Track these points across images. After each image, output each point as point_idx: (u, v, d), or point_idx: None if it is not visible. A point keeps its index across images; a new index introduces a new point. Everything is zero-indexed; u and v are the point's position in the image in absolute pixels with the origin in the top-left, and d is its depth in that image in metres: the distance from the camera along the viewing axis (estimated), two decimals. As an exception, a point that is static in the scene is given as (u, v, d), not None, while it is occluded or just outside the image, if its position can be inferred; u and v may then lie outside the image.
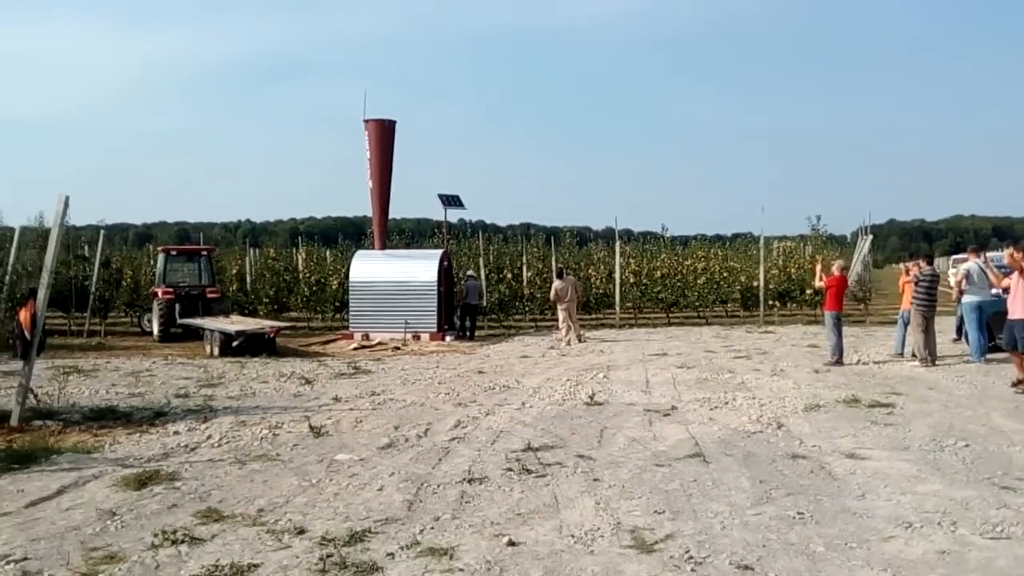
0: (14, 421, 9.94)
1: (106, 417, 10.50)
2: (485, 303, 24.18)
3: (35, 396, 10.47)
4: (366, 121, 21.56)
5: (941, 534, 5.59)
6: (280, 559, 5.30)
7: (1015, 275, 11.14)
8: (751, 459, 7.74)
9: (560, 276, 20.42)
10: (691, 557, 5.22)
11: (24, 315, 10.39)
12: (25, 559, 5.38)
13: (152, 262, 28.99)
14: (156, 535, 5.75)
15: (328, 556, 5.29)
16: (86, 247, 26.57)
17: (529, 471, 7.40)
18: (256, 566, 5.17)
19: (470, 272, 23.99)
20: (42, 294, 10.34)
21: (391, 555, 5.35)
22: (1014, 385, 11.10)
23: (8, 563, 5.31)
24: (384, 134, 21.60)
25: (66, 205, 10.19)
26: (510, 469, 7.48)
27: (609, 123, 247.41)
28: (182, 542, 5.62)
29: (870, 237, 26.63)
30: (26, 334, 10.34)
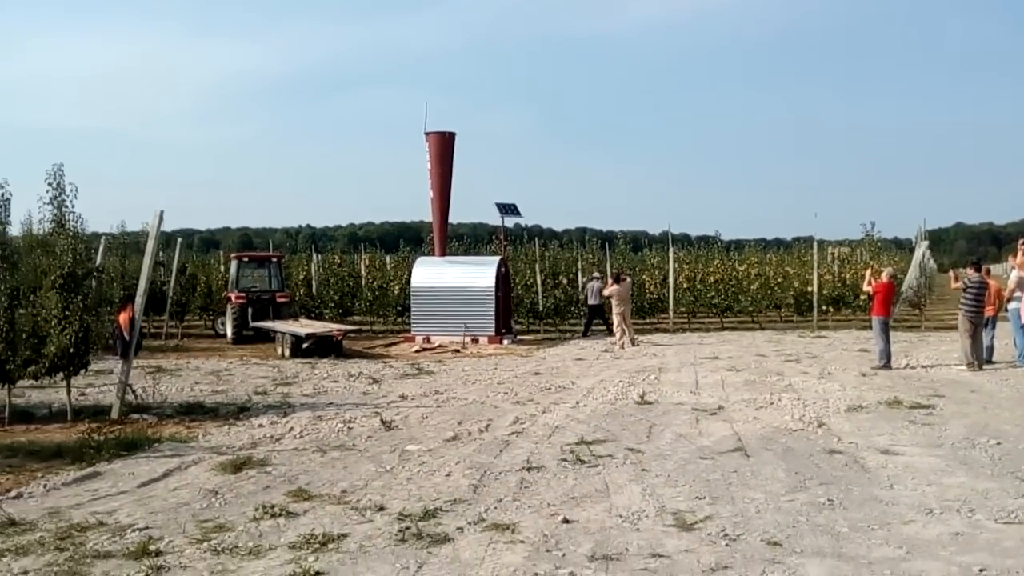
0: (115, 414, 11.01)
1: (195, 412, 11.49)
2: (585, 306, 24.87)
3: (133, 392, 11.50)
4: (427, 134, 22.46)
5: (958, 519, 6.15)
6: (365, 530, 6.10)
7: None
8: (789, 453, 8.33)
9: (617, 280, 21.05)
10: (726, 534, 5.87)
11: (123, 318, 11.42)
12: (147, 528, 6.27)
13: (223, 268, 30.43)
14: (256, 509, 6.61)
15: (406, 528, 6.08)
16: (161, 253, 27.99)
17: (582, 461, 8.10)
18: (345, 536, 5.97)
19: (595, 274, 24.91)
20: (139, 299, 11.39)
21: (460, 529, 6.11)
22: None
23: (134, 531, 6.20)
24: (444, 146, 22.48)
25: (160, 219, 11.23)
26: (565, 460, 8.20)
27: (665, 127, 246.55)
28: (279, 515, 6.48)
29: (926, 243, 26.60)
30: (125, 335, 11.37)
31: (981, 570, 5.13)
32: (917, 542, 5.67)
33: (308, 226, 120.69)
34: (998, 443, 8.57)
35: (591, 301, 23.86)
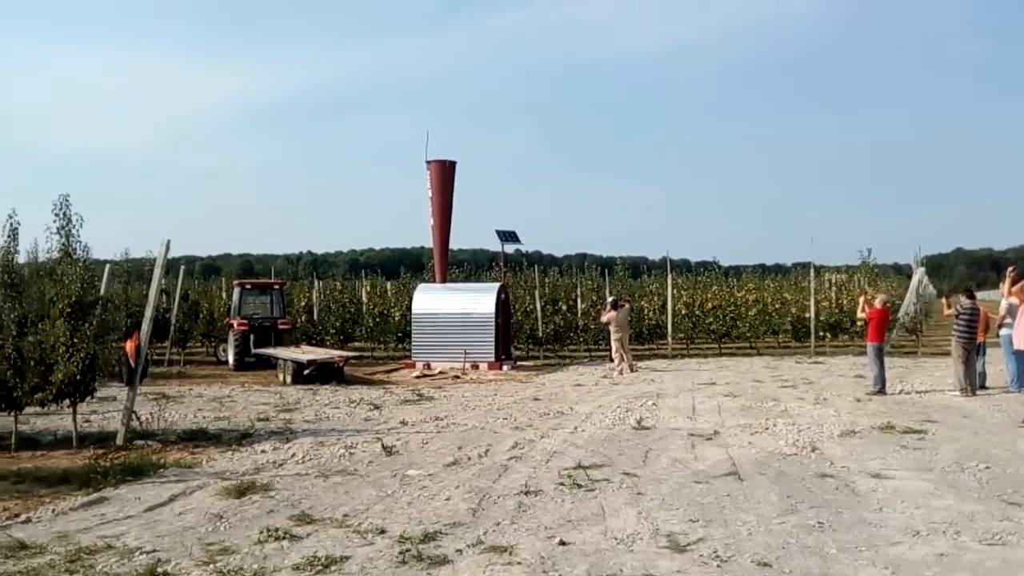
0: (120, 440, 11.18)
1: (198, 438, 11.67)
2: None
3: (138, 419, 11.68)
4: (428, 162, 22.81)
5: (943, 541, 6.32)
6: (366, 552, 6.27)
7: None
8: (782, 477, 8.50)
9: (615, 306, 21.25)
10: (718, 556, 6.04)
11: (130, 345, 11.65)
12: (155, 551, 6.44)
13: (225, 295, 30.68)
14: (261, 533, 6.78)
15: (406, 551, 6.25)
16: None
17: (579, 486, 8.28)
18: (347, 558, 6.14)
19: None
20: (145, 327, 11.60)
21: (459, 551, 6.28)
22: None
23: (141, 554, 6.37)
24: (445, 174, 22.82)
25: (167, 247, 11.48)
26: (562, 484, 8.37)
27: (664, 154, 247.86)
28: (283, 539, 6.65)
29: (923, 269, 26.85)
30: (131, 362, 11.57)
31: (963, 589, 5.30)
32: (903, 563, 5.84)
33: (309, 252, 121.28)
34: (987, 467, 8.75)
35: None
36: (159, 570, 5.91)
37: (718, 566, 5.85)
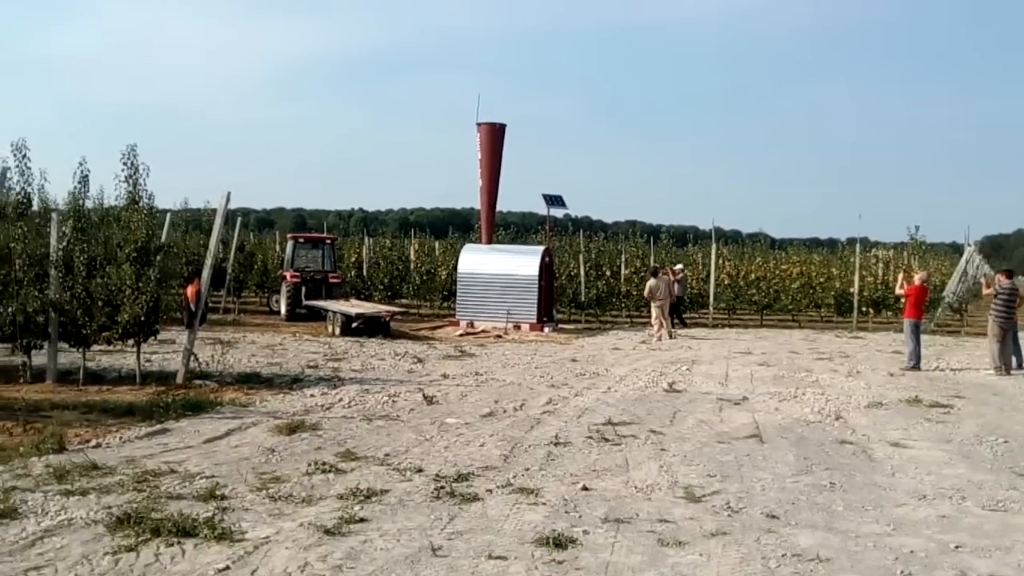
0: (179, 380, 11.92)
1: (252, 381, 12.36)
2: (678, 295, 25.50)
3: (197, 360, 12.41)
4: (479, 124, 23.16)
5: (947, 505, 6.66)
6: (404, 487, 6.82)
7: None
8: (803, 442, 8.87)
9: (655, 274, 21.54)
10: (730, 507, 6.47)
11: (190, 291, 12.35)
12: (213, 476, 7.07)
13: (279, 247, 31.58)
14: (309, 465, 7.38)
15: (441, 488, 6.78)
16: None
17: (607, 440, 8.74)
18: (387, 491, 6.70)
19: (679, 266, 25.68)
20: (206, 273, 12.28)
21: (489, 491, 6.80)
22: None
23: (201, 478, 7.00)
24: (495, 137, 23.16)
25: (228, 199, 12.09)
26: (591, 437, 8.84)
27: (720, 123, 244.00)
28: (329, 472, 7.23)
29: (971, 248, 26.57)
30: (191, 307, 12.28)
31: (957, 546, 5.66)
32: (904, 522, 6.21)
33: (361, 209, 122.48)
34: (1005, 441, 9.00)
35: (676, 293, 24.59)
36: (217, 492, 6.52)
37: (728, 516, 6.27)
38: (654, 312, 20.98)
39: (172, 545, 5.36)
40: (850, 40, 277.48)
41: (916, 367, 14.94)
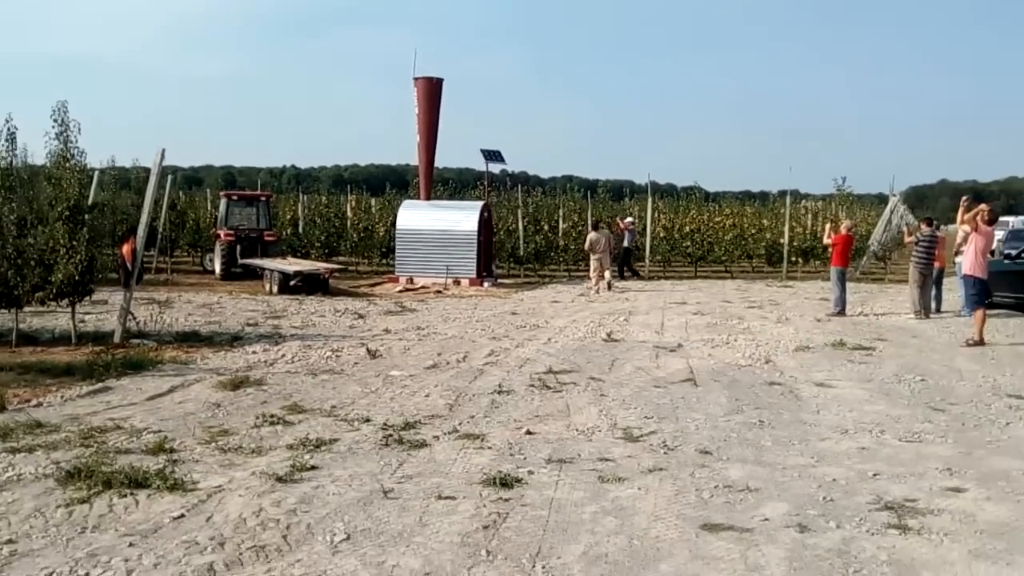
0: (117, 339, 11.79)
1: (191, 339, 12.28)
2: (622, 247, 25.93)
3: (134, 319, 12.28)
4: (416, 79, 22.97)
5: (867, 438, 7.10)
6: (352, 436, 6.98)
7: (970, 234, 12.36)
8: (735, 384, 9.27)
9: (595, 228, 21.87)
10: (666, 445, 6.80)
11: (126, 249, 12.17)
12: (160, 431, 7.12)
13: (211, 205, 31.00)
14: (256, 418, 7.48)
15: (389, 436, 6.96)
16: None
17: (548, 387, 9.01)
18: (336, 440, 6.85)
19: (628, 219, 26.30)
20: (141, 232, 12.11)
21: (436, 437, 7.00)
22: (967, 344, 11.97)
23: (148, 433, 7.05)
24: (432, 91, 23.02)
25: (162, 157, 11.89)
26: (532, 386, 9.10)
27: (655, 78, 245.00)
28: (277, 424, 7.35)
29: (896, 198, 27.51)
30: (128, 265, 12.11)
31: (874, 474, 6.07)
32: (827, 454, 6.62)
33: (293, 166, 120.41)
34: (922, 379, 9.55)
35: (625, 244, 25.37)
36: (166, 446, 6.58)
37: (664, 453, 6.60)
38: (593, 265, 21.30)
39: (125, 496, 5.45)
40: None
41: (842, 313, 15.56)
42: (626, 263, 25.69)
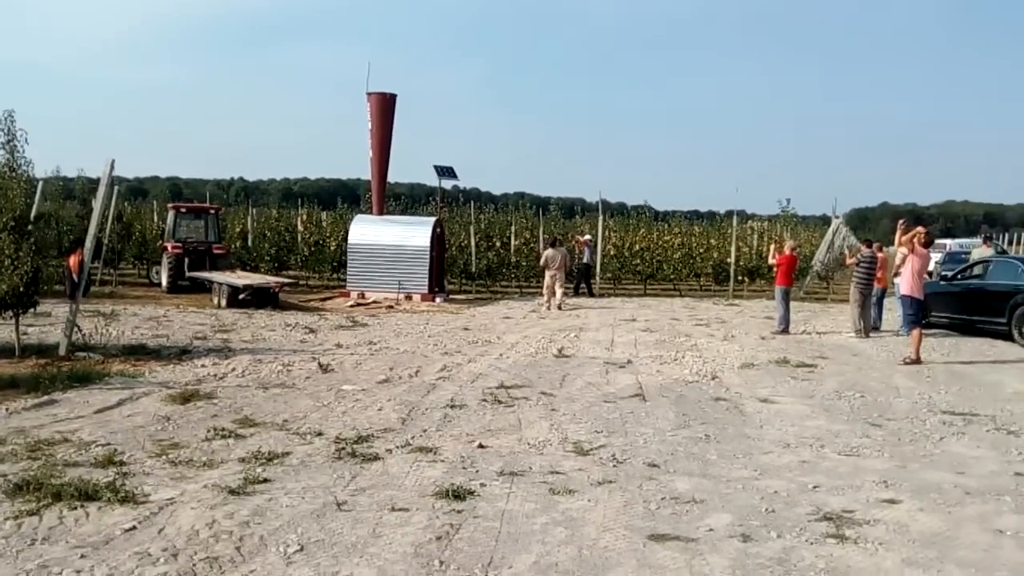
0: (62, 351, 11.60)
1: (138, 352, 12.13)
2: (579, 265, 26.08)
3: (80, 331, 12.09)
4: (369, 94, 23.03)
5: (808, 451, 7.35)
6: (305, 450, 7.01)
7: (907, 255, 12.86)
8: (682, 400, 9.49)
9: (552, 245, 22.12)
10: (615, 458, 6.95)
11: (73, 261, 12.00)
12: (109, 444, 7.06)
13: (156, 217, 30.56)
14: (207, 432, 7.46)
15: (341, 449, 7.01)
16: (94, 200, 28.01)
17: (500, 402, 9.13)
18: (288, 453, 6.87)
19: (587, 237, 26.60)
20: (89, 244, 11.95)
21: (389, 451, 7.07)
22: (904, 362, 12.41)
23: (97, 446, 6.99)
24: (385, 106, 23.10)
25: (112, 167, 11.78)
26: (485, 400, 9.21)
27: (605, 97, 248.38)
28: (228, 437, 7.34)
29: (838, 219, 28.26)
30: (75, 277, 11.93)
31: (814, 487, 6.30)
32: (769, 467, 6.84)
33: (241, 179, 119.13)
34: (861, 396, 9.88)
35: (585, 260, 25.59)
36: (115, 459, 6.54)
37: (614, 466, 6.75)
38: (546, 281, 21.48)
39: (75, 508, 5.42)
40: (736, 19, 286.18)
41: (785, 331, 15.97)
42: (585, 278, 25.89)
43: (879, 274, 16.36)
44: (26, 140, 11.47)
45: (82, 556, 4.71)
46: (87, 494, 5.61)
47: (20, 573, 4.49)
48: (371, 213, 24.47)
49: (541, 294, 21.99)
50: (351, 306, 21.13)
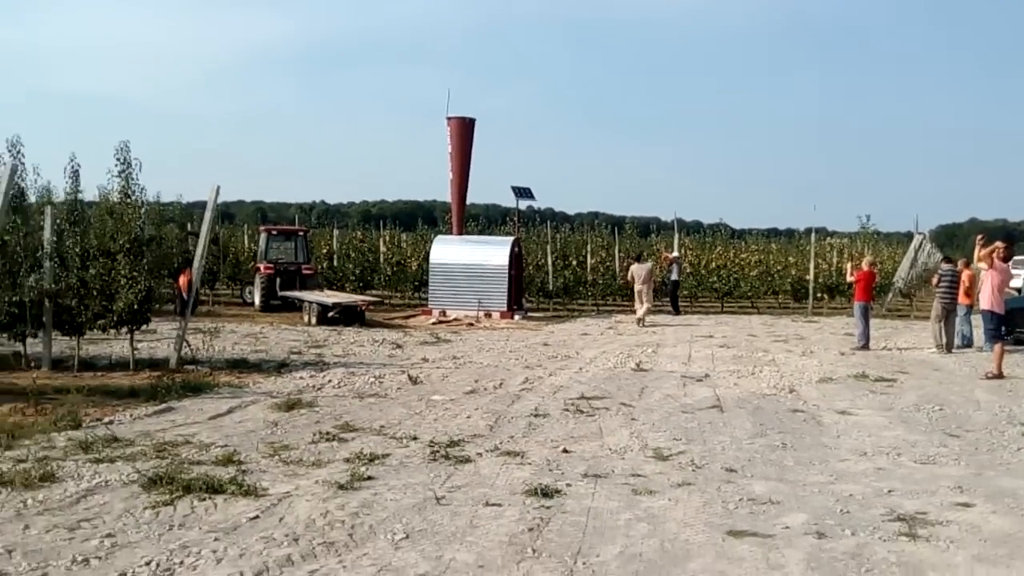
0: (173, 364, 12.50)
1: (240, 366, 12.95)
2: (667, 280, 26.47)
3: (189, 346, 12.99)
4: (448, 119, 23.83)
5: (884, 460, 7.56)
6: (403, 452, 7.56)
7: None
8: (759, 411, 9.75)
9: (638, 260, 22.61)
10: (694, 463, 7.30)
11: (183, 280, 12.92)
12: (226, 445, 7.74)
13: (247, 239, 31.95)
14: (313, 435, 8.09)
15: (436, 452, 7.54)
16: (190, 225, 29.48)
17: (582, 411, 9.55)
18: (388, 455, 7.43)
19: (675, 254, 27.15)
20: (196, 264, 12.87)
21: (480, 454, 7.56)
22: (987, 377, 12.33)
23: (216, 447, 7.67)
24: (464, 131, 23.86)
25: (217, 193, 12.67)
26: (567, 410, 9.64)
27: (683, 115, 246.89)
28: (332, 440, 7.95)
29: (921, 236, 27.84)
30: (184, 296, 12.85)
31: (889, 491, 6.54)
32: (845, 473, 7.09)
33: (322, 202, 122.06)
34: (940, 409, 9.96)
35: (674, 277, 25.83)
36: (234, 458, 7.20)
37: (692, 470, 7.10)
38: (636, 296, 21.83)
39: (204, 500, 6.05)
40: (812, 35, 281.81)
41: (865, 347, 15.95)
42: (672, 296, 26.01)
43: (966, 290, 16.19)
44: (140, 168, 12.47)
45: (216, 539, 5.32)
46: (213, 487, 6.24)
47: (165, 551, 5.10)
48: (451, 234, 25.21)
49: (634, 310, 21.95)
50: (433, 323, 21.82)
